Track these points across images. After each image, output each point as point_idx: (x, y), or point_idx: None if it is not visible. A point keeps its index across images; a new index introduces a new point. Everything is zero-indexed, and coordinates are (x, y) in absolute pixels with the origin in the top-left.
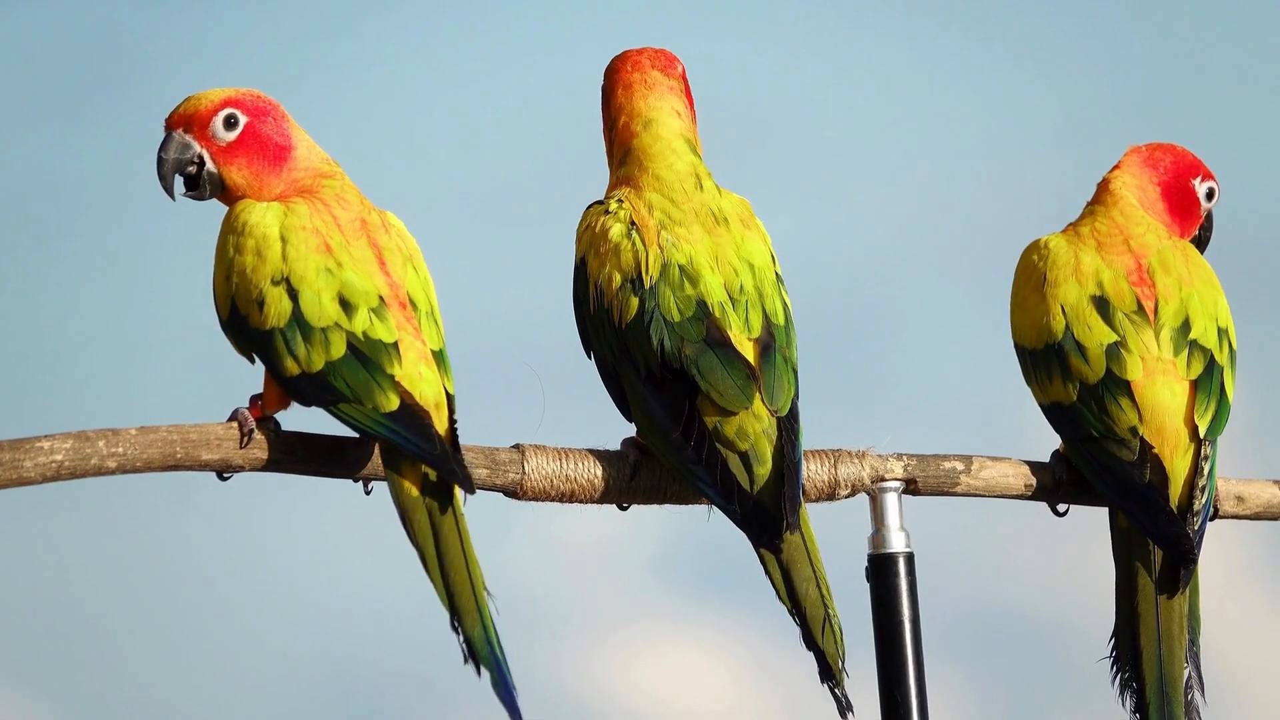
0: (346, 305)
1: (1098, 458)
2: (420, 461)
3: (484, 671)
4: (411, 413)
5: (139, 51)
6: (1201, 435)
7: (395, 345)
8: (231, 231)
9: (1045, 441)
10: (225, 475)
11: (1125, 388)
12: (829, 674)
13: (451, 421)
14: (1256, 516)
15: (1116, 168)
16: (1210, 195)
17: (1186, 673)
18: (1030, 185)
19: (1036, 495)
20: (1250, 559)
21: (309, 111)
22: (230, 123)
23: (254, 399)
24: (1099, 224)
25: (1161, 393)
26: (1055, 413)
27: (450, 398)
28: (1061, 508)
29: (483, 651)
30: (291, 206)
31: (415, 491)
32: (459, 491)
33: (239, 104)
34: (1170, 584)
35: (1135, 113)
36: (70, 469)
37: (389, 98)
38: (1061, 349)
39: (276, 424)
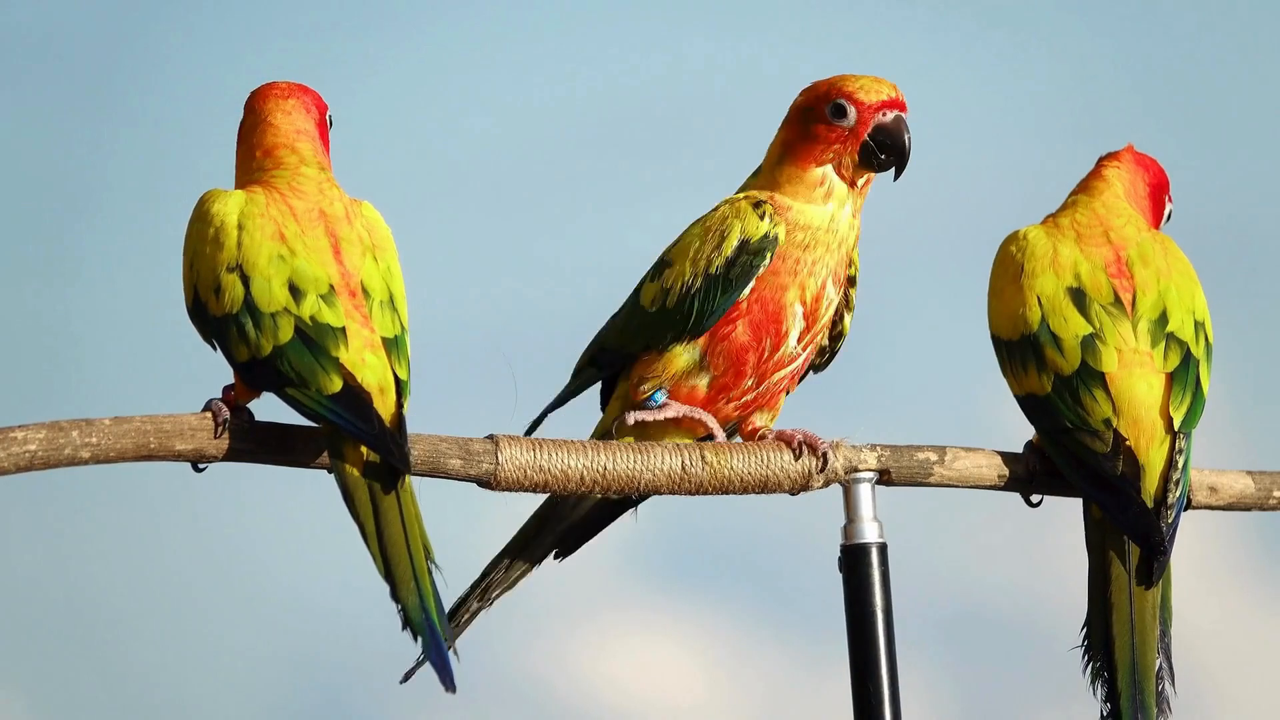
0: (295, 291)
1: (1071, 449)
2: (360, 442)
3: (419, 639)
4: (353, 394)
5: (125, 46)
6: (1175, 428)
7: (343, 330)
8: (196, 220)
9: (1019, 432)
10: (200, 467)
11: (1100, 379)
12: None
13: (399, 405)
14: (1229, 507)
15: (1114, 158)
16: (1169, 217)
17: (1158, 663)
18: (1009, 176)
19: (1010, 486)
20: (1223, 550)
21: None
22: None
23: (227, 389)
24: (1079, 215)
25: (1138, 385)
26: (1030, 404)
27: (401, 383)
28: (1035, 499)
29: (416, 618)
30: (252, 194)
31: (357, 471)
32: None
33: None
34: (1143, 575)
35: (1113, 107)
36: (44, 459)
37: (378, 90)
38: (1037, 340)
39: (249, 414)
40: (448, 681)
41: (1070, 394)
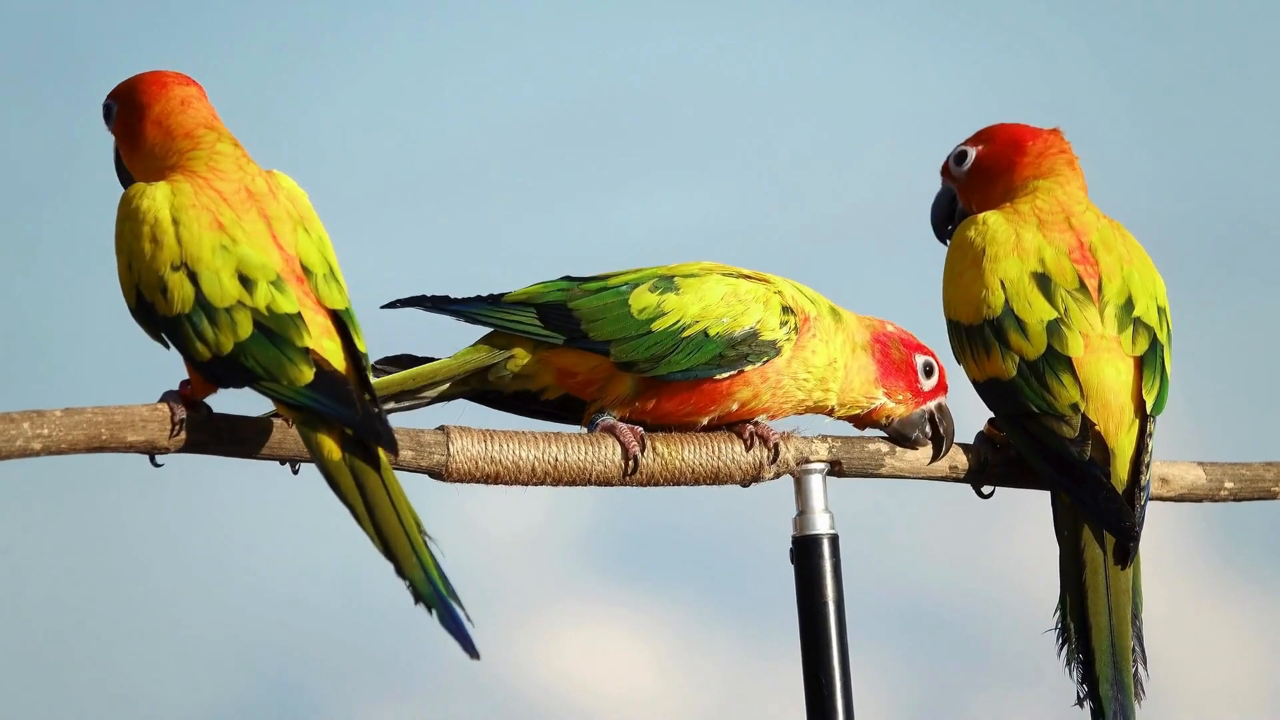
0: (246, 281)
1: (1035, 435)
2: (342, 425)
3: (433, 611)
4: (330, 380)
5: (70, 35)
6: (1149, 411)
7: (300, 316)
8: (126, 219)
9: (970, 423)
10: (158, 461)
11: (1066, 364)
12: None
13: (363, 380)
14: (1180, 498)
15: (1065, 147)
16: None
17: (1132, 645)
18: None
19: (961, 477)
20: (1173, 541)
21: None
22: (106, 115)
23: (184, 384)
24: (1040, 201)
25: (1106, 370)
26: (992, 388)
27: (361, 356)
28: (986, 490)
29: (425, 591)
30: (176, 186)
31: (336, 454)
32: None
33: (115, 95)
34: (1118, 557)
35: (1068, 96)
36: None
37: (351, 84)
38: (1000, 324)
39: (207, 408)
40: (470, 649)
41: (1036, 378)
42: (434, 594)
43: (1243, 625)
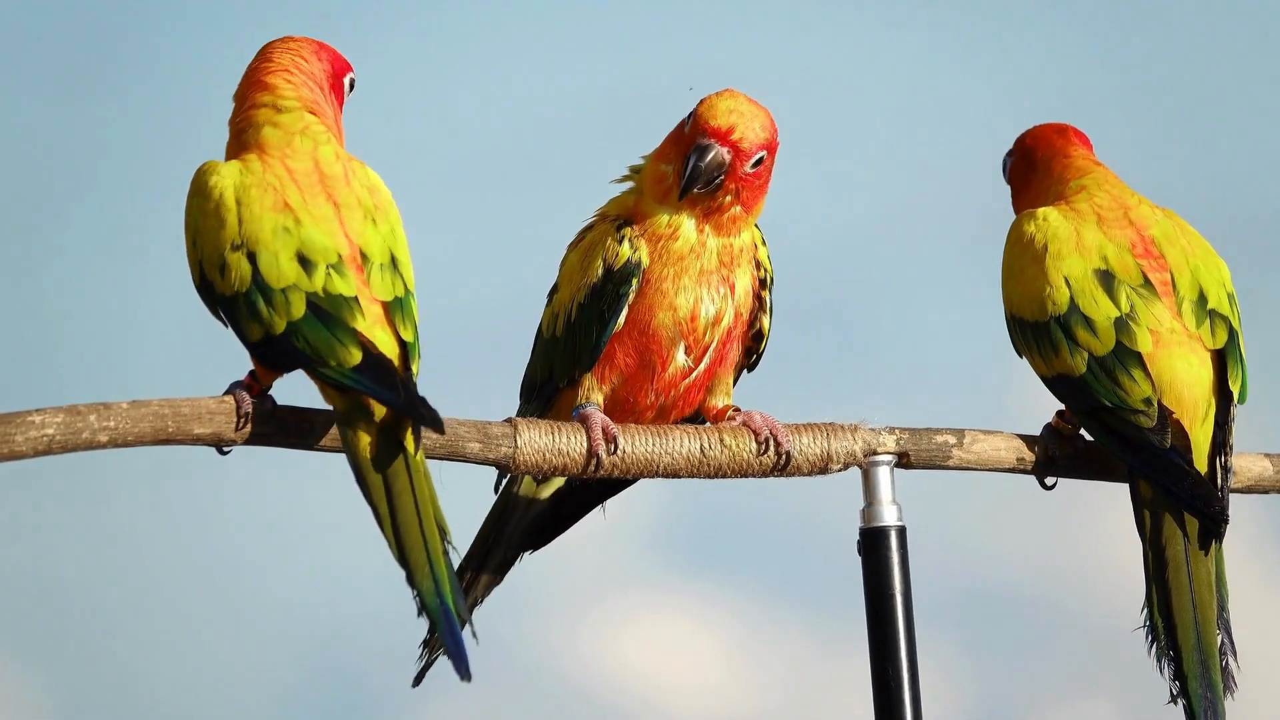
0: (305, 263)
1: (1113, 426)
2: (387, 409)
3: (435, 626)
4: (376, 362)
5: (133, 26)
6: (1235, 400)
7: (356, 300)
8: (195, 195)
9: (1038, 414)
10: (225, 449)
11: (1137, 359)
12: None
13: (407, 369)
14: (1248, 490)
15: (1086, 143)
16: None
17: (1219, 639)
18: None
19: (1028, 469)
20: (1238, 533)
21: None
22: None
23: (251, 375)
24: (1099, 199)
25: (1178, 364)
26: (1062, 384)
27: (408, 347)
28: (1049, 481)
29: (431, 603)
30: (248, 164)
31: (369, 452)
32: (417, 452)
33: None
34: (1202, 544)
35: (1119, 87)
36: (62, 443)
37: (389, 74)
38: (1066, 322)
39: (272, 400)
40: (463, 670)
41: (1107, 374)
42: (439, 608)
43: None
